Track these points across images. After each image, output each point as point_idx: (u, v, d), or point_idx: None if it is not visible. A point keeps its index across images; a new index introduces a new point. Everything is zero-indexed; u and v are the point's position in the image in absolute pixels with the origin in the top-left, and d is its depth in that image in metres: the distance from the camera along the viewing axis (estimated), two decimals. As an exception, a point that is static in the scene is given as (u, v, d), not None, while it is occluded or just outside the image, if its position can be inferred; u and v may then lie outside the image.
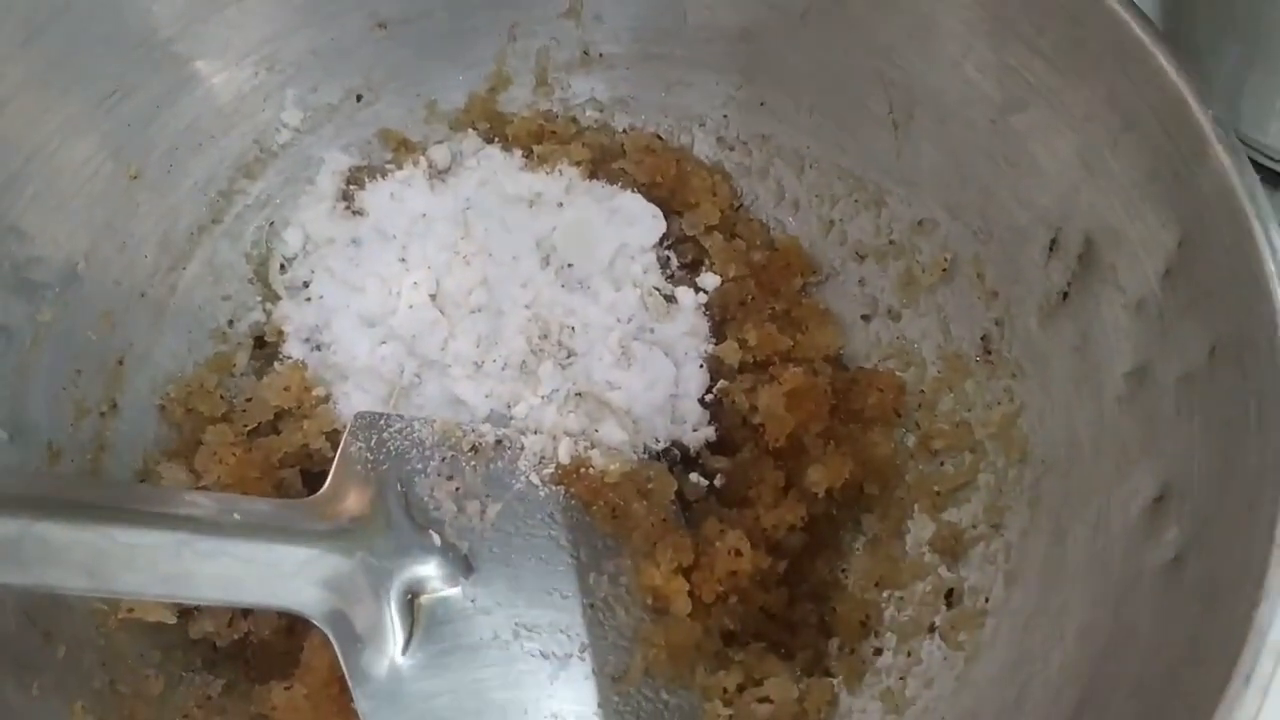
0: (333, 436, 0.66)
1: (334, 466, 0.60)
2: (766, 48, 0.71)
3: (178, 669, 0.61)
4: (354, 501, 0.59)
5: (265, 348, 0.71)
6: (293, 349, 0.70)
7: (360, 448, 0.62)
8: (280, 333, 0.70)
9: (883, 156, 0.69)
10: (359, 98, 0.72)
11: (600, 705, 0.58)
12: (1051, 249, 0.62)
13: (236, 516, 0.54)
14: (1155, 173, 0.55)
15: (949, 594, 0.63)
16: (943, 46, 0.64)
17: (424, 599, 0.58)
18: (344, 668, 0.55)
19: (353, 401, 0.68)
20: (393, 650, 0.56)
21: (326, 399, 0.68)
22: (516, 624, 0.59)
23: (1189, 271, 0.54)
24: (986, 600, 0.61)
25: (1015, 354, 0.64)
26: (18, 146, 0.60)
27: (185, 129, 0.67)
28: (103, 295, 0.65)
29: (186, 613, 0.61)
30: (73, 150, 0.62)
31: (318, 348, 0.69)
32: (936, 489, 0.65)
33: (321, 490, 0.60)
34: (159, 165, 0.66)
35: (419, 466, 0.62)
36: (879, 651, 0.63)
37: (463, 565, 0.60)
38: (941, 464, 0.66)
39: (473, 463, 0.63)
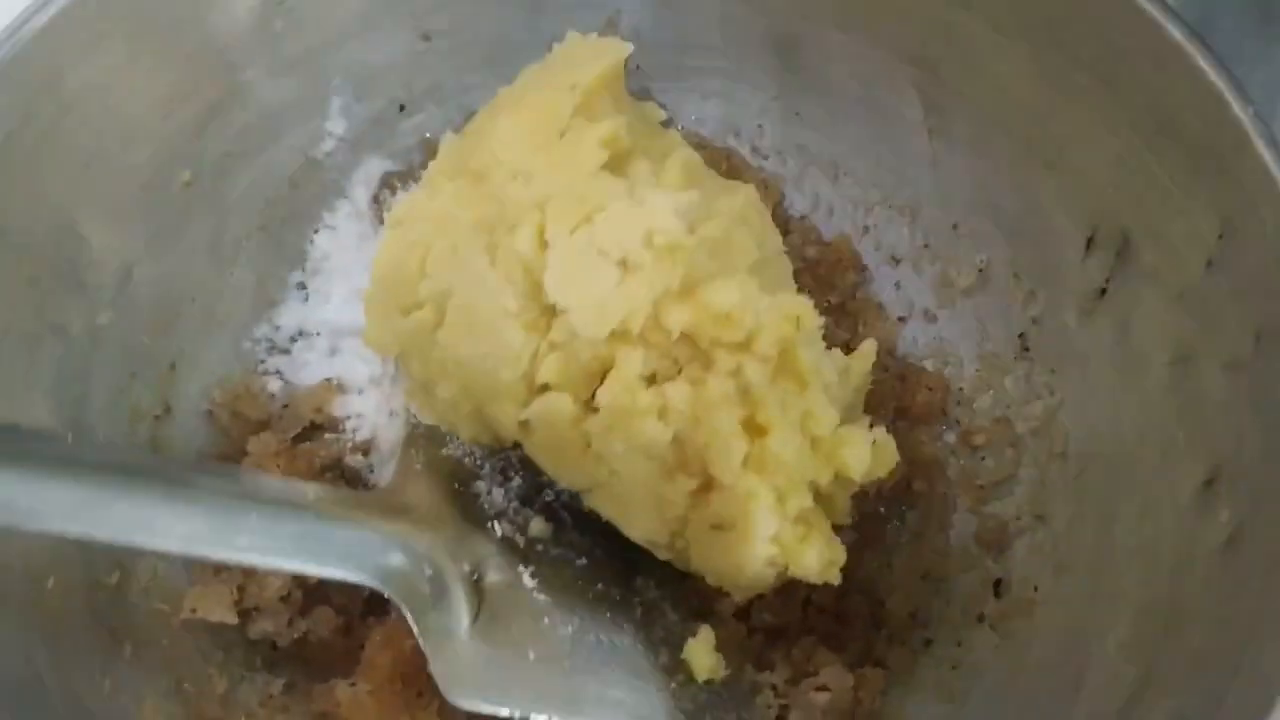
0: (368, 451, 0.67)
1: (396, 464, 0.62)
2: (802, 58, 0.73)
3: (239, 669, 0.61)
4: (415, 494, 0.60)
5: (299, 348, 0.71)
6: (323, 355, 0.71)
7: (418, 450, 0.63)
8: (315, 336, 0.71)
9: (918, 163, 0.71)
10: (402, 107, 0.73)
11: (659, 691, 0.58)
12: (1089, 247, 0.64)
13: (310, 495, 0.56)
14: (1195, 169, 0.57)
15: (997, 584, 0.64)
16: (980, 54, 0.66)
17: (488, 581, 0.58)
18: (417, 633, 0.55)
19: (381, 411, 0.69)
20: (463, 621, 0.57)
21: (358, 416, 0.69)
22: (575, 613, 0.59)
23: (1231, 262, 0.56)
24: (1036, 589, 0.62)
25: (1054, 350, 0.66)
26: (81, 150, 0.60)
27: (236, 137, 0.68)
28: (156, 299, 0.65)
29: (245, 613, 0.61)
30: (131, 156, 0.63)
31: (338, 352, 0.71)
32: (979, 483, 0.67)
33: (386, 484, 0.61)
34: (211, 173, 0.67)
35: (474, 470, 0.63)
36: (929, 642, 0.64)
37: (521, 556, 0.60)
38: (983, 459, 0.68)
39: (522, 472, 0.64)
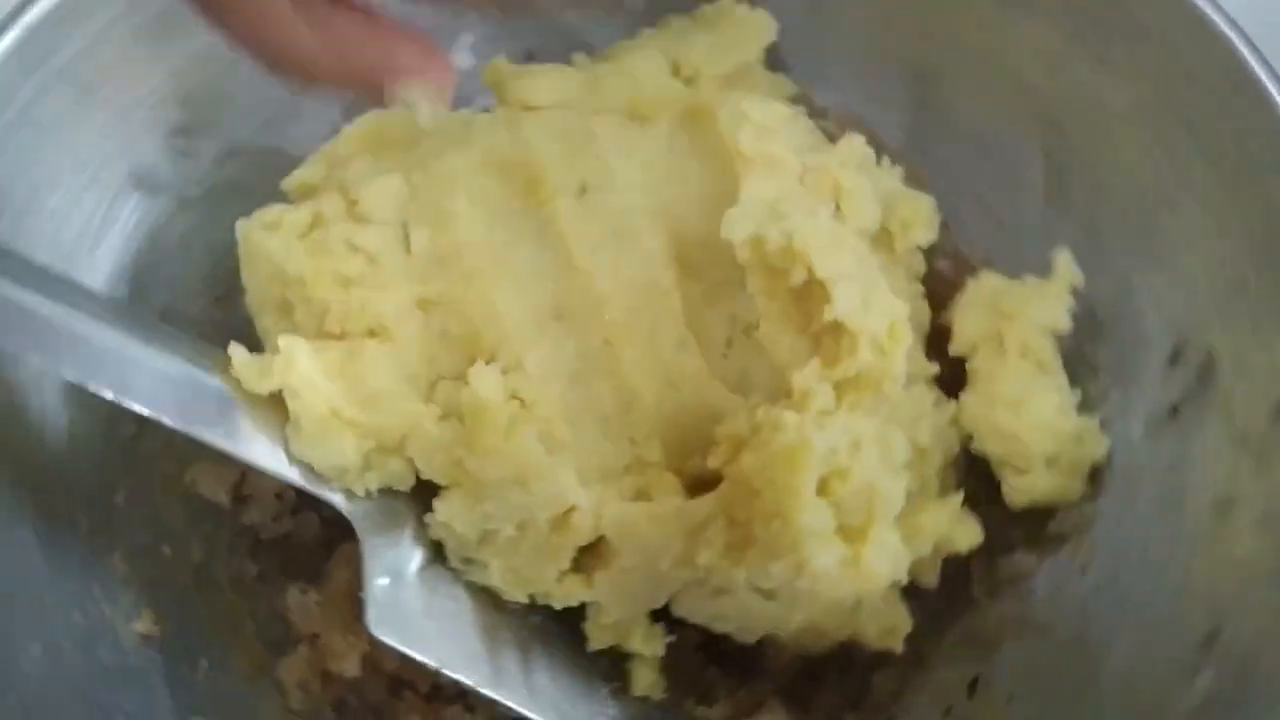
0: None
1: None
2: (937, 94, 0.69)
3: (220, 547, 0.63)
4: None
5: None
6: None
7: None
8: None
9: (1029, 230, 0.67)
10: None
11: (587, 692, 0.58)
12: (1173, 360, 0.59)
13: None
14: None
15: (974, 683, 0.60)
16: (1110, 126, 0.61)
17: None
18: (363, 555, 0.55)
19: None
20: (412, 560, 0.56)
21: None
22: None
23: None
24: (1010, 700, 0.58)
25: (1112, 459, 0.61)
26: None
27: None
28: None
29: (240, 499, 0.63)
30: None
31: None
32: (997, 576, 0.62)
33: None
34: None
35: None
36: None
37: None
38: (1011, 551, 0.63)
39: None
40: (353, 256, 0.55)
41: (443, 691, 0.60)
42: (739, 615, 0.55)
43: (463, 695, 0.60)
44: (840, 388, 0.52)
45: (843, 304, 0.51)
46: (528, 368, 0.55)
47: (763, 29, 0.67)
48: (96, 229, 0.62)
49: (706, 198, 0.59)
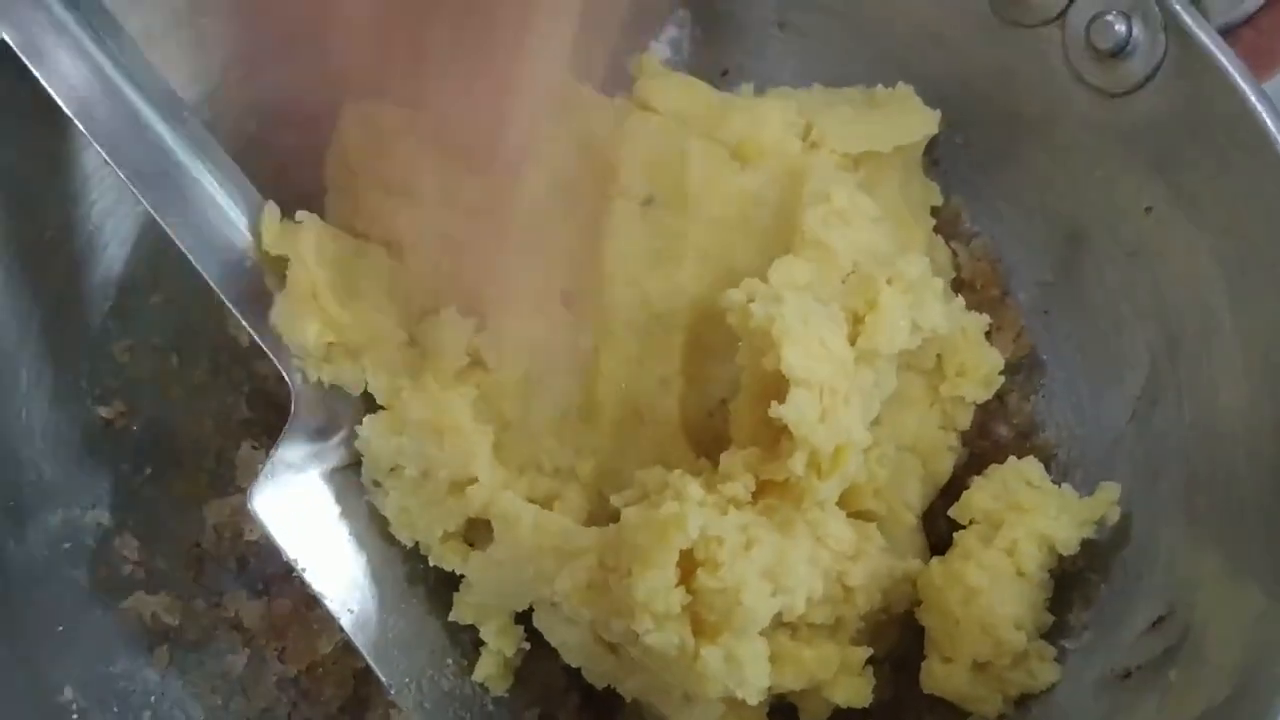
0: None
1: None
2: (1084, 262, 0.64)
3: (223, 381, 0.66)
4: None
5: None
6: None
7: None
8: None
9: (1102, 429, 0.62)
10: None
11: (434, 653, 0.58)
12: (1153, 625, 0.53)
13: None
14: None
15: None
16: (1227, 353, 0.56)
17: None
18: (283, 434, 0.56)
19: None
20: (329, 462, 0.57)
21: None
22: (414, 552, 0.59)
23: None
24: None
25: (1057, 693, 0.56)
26: None
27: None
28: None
29: (254, 348, 0.66)
30: None
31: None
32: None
33: None
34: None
35: None
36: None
37: None
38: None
39: None
40: (405, 171, 0.57)
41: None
42: (584, 655, 0.54)
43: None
44: (763, 488, 0.50)
45: (793, 408, 0.49)
46: (507, 335, 0.55)
47: (919, 126, 0.65)
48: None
49: (763, 259, 0.57)
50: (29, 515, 0.58)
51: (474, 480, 0.53)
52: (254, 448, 0.64)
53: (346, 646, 0.59)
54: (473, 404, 0.54)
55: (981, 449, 0.64)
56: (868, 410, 0.53)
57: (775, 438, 0.51)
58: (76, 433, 0.61)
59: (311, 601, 0.60)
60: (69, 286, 0.61)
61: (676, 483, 0.49)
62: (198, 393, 0.66)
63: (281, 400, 0.66)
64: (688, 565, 0.48)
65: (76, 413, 0.61)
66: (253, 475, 0.62)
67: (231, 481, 0.64)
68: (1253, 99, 0.55)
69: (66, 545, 0.59)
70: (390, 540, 0.58)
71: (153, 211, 0.55)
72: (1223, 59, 0.56)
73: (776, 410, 0.49)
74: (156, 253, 0.64)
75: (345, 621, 0.56)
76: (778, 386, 0.51)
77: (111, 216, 0.62)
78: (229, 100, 0.62)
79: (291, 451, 0.57)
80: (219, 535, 0.63)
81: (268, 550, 0.61)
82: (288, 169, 0.59)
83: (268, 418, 0.66)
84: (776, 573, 0.49)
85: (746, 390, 0.54)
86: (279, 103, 0.60)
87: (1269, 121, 0.55)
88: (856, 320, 0.55)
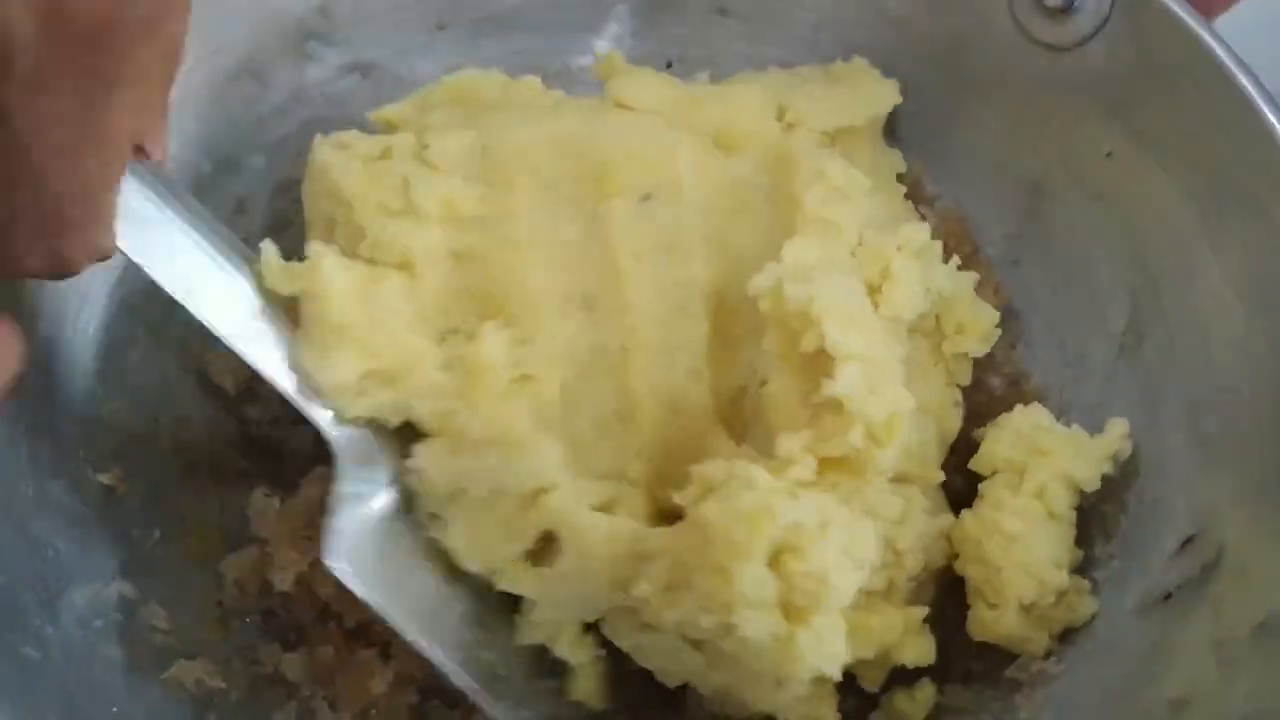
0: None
1: None
2: (1048, 211, 0.67)
3: (212, 432, 0.64)
4: None
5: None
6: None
7: None
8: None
9: (1091, 374, 0.65)
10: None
11: (523, 678, 0.57)
12: (1184, 546, 0.56)
13: None
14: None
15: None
16: (1201, 298, 0.59)
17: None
18: (334, 485, 0.54)
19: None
20: (378, 504, 0.56)
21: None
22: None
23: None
24: None
25: (1093, 627, 0.59)
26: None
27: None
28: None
29: (248, 394, 0.64)
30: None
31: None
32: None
33: None
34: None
35: None
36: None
37: None
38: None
39: None
40: (403, 193, 0.56)
41: (365, 633, 0.59)
42: (662, 656, 0.54)
43: (385, 644, 0.59)
44: (824, 465, 0.51)
45: (844, 383, 0.50)
46: (540, 345, 0.55)
47: (882, 97, 0.66)
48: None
49: (766, 243, 0.58)
50: (56, 597, 0.55)
51: (545, 489, 0.53)
52: (266, 495, 0.62)
53: (398, 684, 0.58)
54: (530, 414, 0.53)
55: (977, 402, 0.66)
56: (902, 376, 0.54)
57: (818, 416, 0.52)
58: (78, 503, 0.58)
59: (355, 645, 0.59)
60: (52, 351, 0.58)
61: (743, 473, 0.50)
62: (189, 448, 0.63)
63: (274, 444, 0.65)
64: (773, 553, 0.49)
65: (76, 482, 0.58)
66: (269, 524, 0.61)
67: (245, 533, 0.62)
68: (1205, 37, 0.58)
69: (98, 623, 0.56)
70: (456, 575, 0.56)
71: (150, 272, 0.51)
72: (1169, 2, 0.59)
73: (830, 388, 0.50)
74: (129, 309, 0.62)
75: (446, 666, 0.55)
76: (814, 365, 0.52)
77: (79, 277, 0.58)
78: None
79: (346, 501, 0.55)
80: (241, 590, 0.61)
81: (296, 600, 0.60)
82: None
83: (262, 461, 0.65)
84: (852, 548, 0.50)
85: (780, 375, 0.54)
86: None
87: (1223, 56, 0.57)
88: (873, 290, 0.57)
